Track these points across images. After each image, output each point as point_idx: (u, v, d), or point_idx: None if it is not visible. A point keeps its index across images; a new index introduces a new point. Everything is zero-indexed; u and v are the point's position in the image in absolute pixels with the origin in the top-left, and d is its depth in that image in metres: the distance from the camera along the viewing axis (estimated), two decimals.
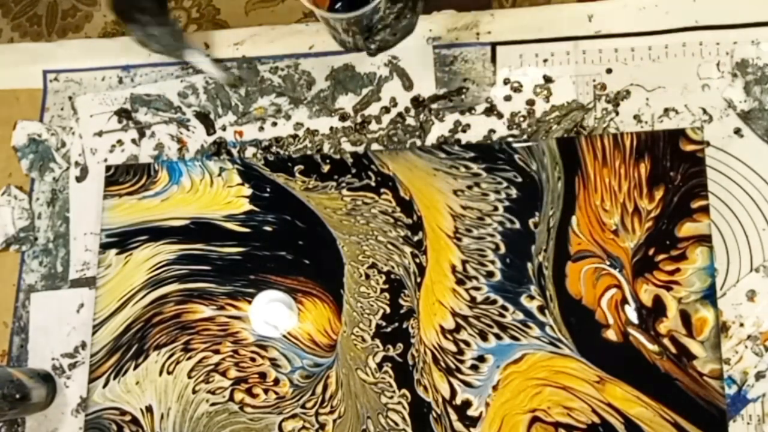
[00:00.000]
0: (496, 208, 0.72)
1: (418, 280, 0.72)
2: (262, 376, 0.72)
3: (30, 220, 0.81)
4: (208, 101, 0.81)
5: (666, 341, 0.66)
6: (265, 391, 0.72)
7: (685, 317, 0.67)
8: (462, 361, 0.69)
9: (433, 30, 0.80)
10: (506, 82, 0.76)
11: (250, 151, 0.79)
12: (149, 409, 0.73)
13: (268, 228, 0.76)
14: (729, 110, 0.72)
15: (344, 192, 0.75)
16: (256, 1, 1.72)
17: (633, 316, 0.67)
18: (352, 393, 0.70)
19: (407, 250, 0.73)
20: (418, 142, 0.76)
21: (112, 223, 0.78)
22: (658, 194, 0.70)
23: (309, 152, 0.78)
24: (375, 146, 0.77)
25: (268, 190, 0.77)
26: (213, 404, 0.72)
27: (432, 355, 0.70)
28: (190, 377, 0.73)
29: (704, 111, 0.72)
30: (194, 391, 0.73)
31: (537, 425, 0.67)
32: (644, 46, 0.75)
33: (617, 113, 0.74)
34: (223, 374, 0.73)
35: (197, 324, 0.74)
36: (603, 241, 0.69)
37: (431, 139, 0.76)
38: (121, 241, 0.78)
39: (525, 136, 0.75)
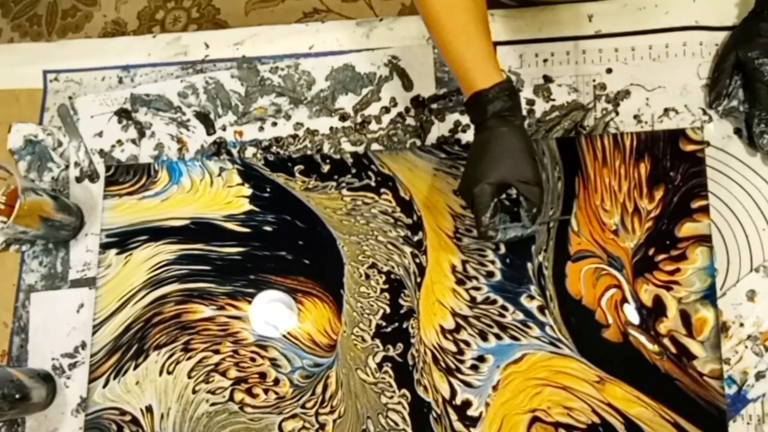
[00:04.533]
0: None
1: (418, 280, 0.72)
2: (262, 376, 0.72)
3: None
4: (208, 101, 0.81)
5: (666, 341, 0.66)
6: (265, 391, 0.72)
7: (685, 317, 0.67)
8: (462, 361, 0.69)
9: None
10: None
11: (250, 151, 0.79)
12: (149, 409, 0.73)
13: (268, 228, 0.76)
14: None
15: (344, 192, 0.75)
16: (256, 1, 1.72)
17: (633, 316, 0.67)
18: (352, 393, 0.70)
19: (407, 250, 0.73)
20: (418, 142, 0.76)
21: (112, 223, 0.78)
22: (658, 194, 0.70)
23: (309, 152, 0.78)
24: (375, 146, 0.77)
25: (268, 190, 0.77)
26: (213, 404, 0.72)
27: (432, 355, 0.70)
28: (190, 377, 0.73)
29: (704, 111, 0.72)
30: (194, 391, 0.73)
31: (537, 425, 0.67)
32: (644, 46, 0.75)
33: (617, 113, 0.74)
34: (223, 374, 0.73)
35: (197, 324, 0.74)
36: (603, 241, 0.69)
37: (431, 139, 0.76)
38: (121, 241, 0.78)
39: None
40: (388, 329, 0.71)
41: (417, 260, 0.72)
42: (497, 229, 0.64)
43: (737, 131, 0.71)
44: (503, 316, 0.69)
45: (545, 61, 0.76)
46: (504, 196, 0.65)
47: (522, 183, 0.61)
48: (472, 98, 0.62)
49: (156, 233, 0.77)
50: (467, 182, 0.64)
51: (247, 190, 0.77)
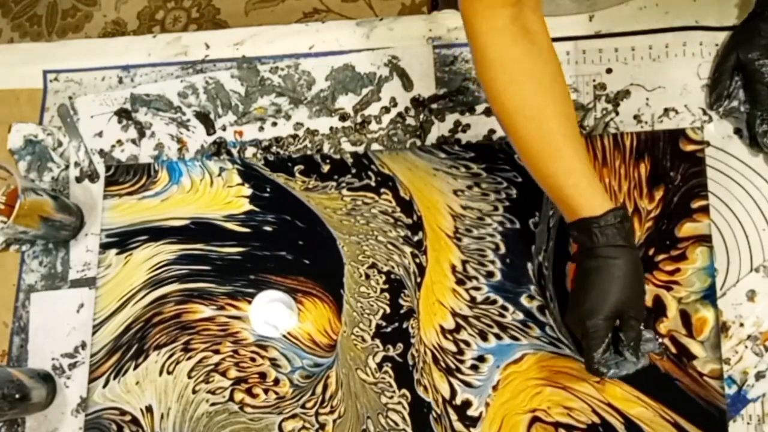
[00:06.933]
0: (496, 208, 0.72)
1: (418, 280, 0.72)
2: (262, 376, 0.72)
3: None
4: (208, 101, 0.81)
5: (666, 341, 0.66)
6: (265, 391, 0.72)
7: (685, 317, 0.67)
8: (462, 361, 0.69)
9: (433, 30, 0.80)
10: None
11: (250, 151, 0.79)
12: (149, 409, 0.73)
13: (268, 228, 0.76)
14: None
15: (344, 192, 0.75)
16: (256, 1, 1.72)
17: None
18: (352, 393, 0.70)
19: (407, 250, 0.73)
20: (418, 142, 0.76)
21: (112, 223, 0.78)
22: (658, 194, 0.70)
23: (309, 152, 0.78)
24: (375, 146, 0.77)
25: (268, 190, 0.77)
26: (213, 404, 0.72)
27: (432, 355, 0.70)
28: (190, 377, 0.73)
29: (704, 111, 0.72)
30: (194, 391, 0.73)
31: (537, 425, 0.67)
32: (644, 46, 0.75)
33: (617, 113, 0.74)
34: (223, 374, 0.73)
35: (197, 324, 0.74)
36: None
37: (431, 139, 0.76)
38: (121, 241, 0.78)
39: None
40: (388, 329, 0.71)
41: (417, 260, 0.72)
42: (609, 365, 0.60)
43: (737, 131, 0.71)
44: (503, 316, 0.69)
45: None
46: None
47: (632, 317, 0.58)
48: (578, 223, 0.57)
49: (156, 233, 0.77)
50: (578, 313, 0.59)
51: (247, 190, 0.77)
